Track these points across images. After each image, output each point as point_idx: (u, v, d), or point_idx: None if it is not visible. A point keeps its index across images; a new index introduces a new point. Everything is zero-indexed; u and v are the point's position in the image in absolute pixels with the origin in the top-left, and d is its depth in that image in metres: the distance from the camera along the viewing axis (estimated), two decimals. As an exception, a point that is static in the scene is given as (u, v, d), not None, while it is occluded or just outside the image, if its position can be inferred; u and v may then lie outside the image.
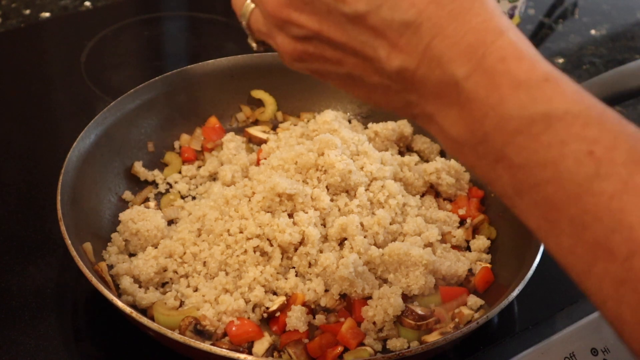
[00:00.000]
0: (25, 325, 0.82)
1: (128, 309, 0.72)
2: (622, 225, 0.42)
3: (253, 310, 0.81)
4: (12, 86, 1.19)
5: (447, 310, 0.82)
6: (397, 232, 0.88)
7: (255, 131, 1.05)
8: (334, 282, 0.81)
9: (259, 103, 1.10)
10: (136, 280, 0.83)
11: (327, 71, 0.56)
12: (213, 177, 1.00)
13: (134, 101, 0.99)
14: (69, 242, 0.76)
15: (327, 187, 0.87)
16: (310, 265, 0.83)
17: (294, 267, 0.84)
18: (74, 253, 0.75)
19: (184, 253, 0.85)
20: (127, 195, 0.95)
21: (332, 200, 0.87)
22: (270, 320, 0.80)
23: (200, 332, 0.76)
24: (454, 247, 0.90)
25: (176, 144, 1.04)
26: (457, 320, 0.80)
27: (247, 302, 0.80)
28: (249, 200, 0.87)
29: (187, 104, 1.05)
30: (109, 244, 0.87)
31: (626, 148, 0.43)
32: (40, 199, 0.97)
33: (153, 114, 1.02)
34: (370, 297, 0.82)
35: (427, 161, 1.01)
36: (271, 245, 0.83)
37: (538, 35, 1.42)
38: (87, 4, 1.40)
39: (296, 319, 0.78)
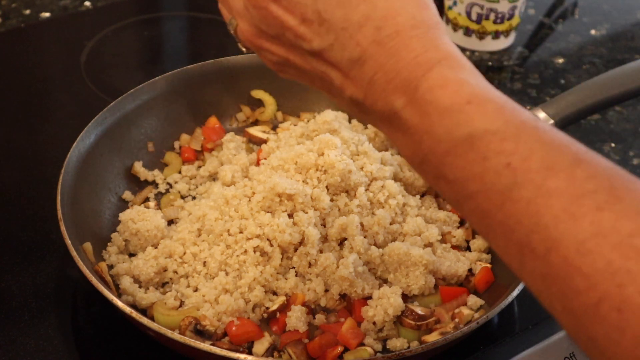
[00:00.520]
0: (25, 325, 0.82)
1: (128, 309, 0.72)
2: (539, 226, 0.46)
3: (253, 310, 0.81)
4: (12, 86, 1.19)
5: (447, 310, 0.82)
6: (397, 232, 0.87)
7: (255, 131, 1.05)
8: (334, 282, 0.81)
9: (259, 103, 1.10)
10: (136, 280, 0.83)
11: (307, 83, 0.62)
12: (213, 177, 1.00)
13: (134, 101, 0.99)
14: (69, 242, 0.76)
15: (327, 187, 0.87)
16: (310, 265, 0.83)
17: (293, 267, 0.84)
18: (74, 253, 0.75)
19: (184, 253, 0.85)
20: (127, 195, 0.95)
21: (332, 200, 0.87)
22: (270, 320, 0.80)
23: (200, 332, 0.76)
24: (454, 247, 0.90)
25: (176, 144, 1.04)
26: (457, 320, 0.80)
27: (247, 302, 0.80)
28: (249, 200, 0.87)
29: (187, 104, 1.05)
30: (109, 244, 0.87)
31: (540, 156, 0.47)
32: (40, 199, 0.97)
33: (153, 114, 1.02)
34: (370, 297, 0.82)
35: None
36: (271, 245, 0.83)
37: (538, 35, 1.41)
38: (87, 4, 1.40)
39: (296, 319, 0.78)
